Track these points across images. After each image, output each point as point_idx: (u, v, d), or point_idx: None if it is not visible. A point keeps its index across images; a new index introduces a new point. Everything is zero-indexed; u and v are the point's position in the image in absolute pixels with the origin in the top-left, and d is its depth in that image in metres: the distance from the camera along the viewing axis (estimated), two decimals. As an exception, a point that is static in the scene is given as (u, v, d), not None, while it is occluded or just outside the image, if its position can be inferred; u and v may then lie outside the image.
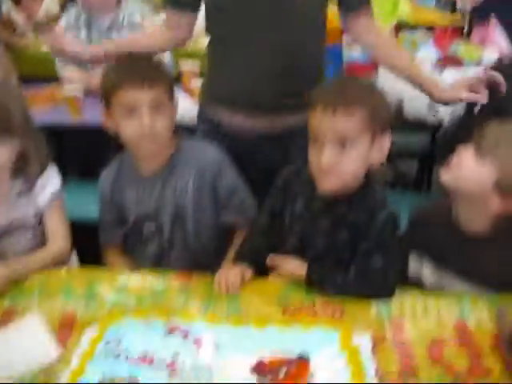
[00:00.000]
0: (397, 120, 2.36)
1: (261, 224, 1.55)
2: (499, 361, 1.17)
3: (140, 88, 1.49)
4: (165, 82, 1.56)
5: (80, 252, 1.83)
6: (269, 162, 1.72)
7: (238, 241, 1.66)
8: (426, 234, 1.49)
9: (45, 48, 3.40)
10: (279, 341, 1.17)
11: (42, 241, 1.65)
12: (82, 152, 2.74)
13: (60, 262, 1.61)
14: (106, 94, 1.55)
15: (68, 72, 2.94)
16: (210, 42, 1.77)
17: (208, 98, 1.84)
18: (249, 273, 1.43)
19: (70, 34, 2.93)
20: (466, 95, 1.69)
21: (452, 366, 1.16)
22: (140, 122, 1.50)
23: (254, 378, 1.02)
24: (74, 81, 2.74)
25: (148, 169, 1.64)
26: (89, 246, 1.78)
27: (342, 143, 1.26)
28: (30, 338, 1.25)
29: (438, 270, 1.48)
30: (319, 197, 1.39)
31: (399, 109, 2.31)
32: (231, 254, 1.62)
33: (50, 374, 1.15)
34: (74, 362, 1.15)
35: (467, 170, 1.36)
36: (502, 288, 1.36)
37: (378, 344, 1.21)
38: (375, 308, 1.32)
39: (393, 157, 2.99)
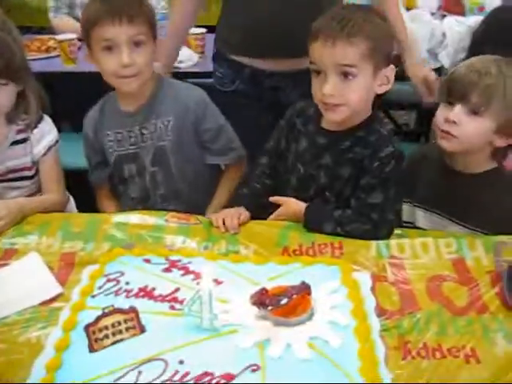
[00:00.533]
0: (396, 65, 2.33)
1: (262, 166, 1.55)
2: (496, 297, 1.18)
3: (118, 24, 1.45)
4: (145, 18, 1.50)
5: (76, 201, 1.83)
6: (291, 102, 1.68)
7: (225, 178, 1.68)
8: (418, 177, 1.49)
9: None
10: (280, 273, 1.17)
11: (39, 191, 1.65)
12: (75, 101, 2.69)
13: (57, 207, 1.62)
14: (85, 30, 1.50)
15: (60, 21, 2.89)
16: None
17: (225, 42, 1.80)
18: (246, 215, 1.43)
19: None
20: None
21: (451, 302, 1.16)
22: (119, 59, 1.46)
23: (254, 309, 1.02)
24: (66, 30, 2.69)
25: (128, 108, 1.60)
26: (84, 194, 1.78)
27: (344, 74, 1.27)
28: (31, 276, 1.25)
29: (431, 213, 1.49)
30: (323, 133, 1.40)
31: (397, 54, 2.27)
32: (220, 191, 1.64)
33: (52, 310, 1.15)
34: (74, 298, 1.15)
35: (467, 132, 1.36)
36: (497, 227, 1.37)
37: (377, 282, 1.22)
38: (374, 248, 1.32)
39: (391, 108, 3.02)
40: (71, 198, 1.81)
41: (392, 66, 1.33)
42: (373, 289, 1.19)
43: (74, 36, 2.49)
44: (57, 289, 1.21)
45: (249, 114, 1.74)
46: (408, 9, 2.30)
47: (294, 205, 1.43)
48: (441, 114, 1.40)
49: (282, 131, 1.50)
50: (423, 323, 1.11)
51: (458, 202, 1.42)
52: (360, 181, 1.36)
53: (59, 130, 1.69)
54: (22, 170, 1.61)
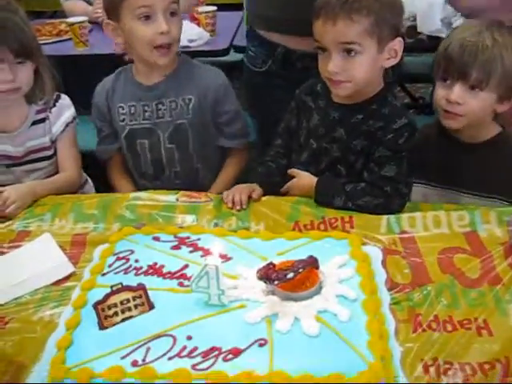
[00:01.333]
0: (410, 36, 2.29)
1: (276, 146, 1.55)
2: (510, 268, 1.15)
3: None
4: None
5: (95, 183, 1.84)
6: None
7: (230, 163, 1.68)
8: (425, 159, 1.45)
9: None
10: (287, 249, 1.17)
11: (57, 172, 1.66)
12: (89, 84, 2.70)
13: (71, 187, 1.63)
14: (114, 3, 1.48)
15: (71, 4, 2.89)
16: None
17: (259, 17, 1.77)
18: (258, 191, 1.43)
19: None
20: None
21: (463, 274, 1.15)
22: (156, 28, 1.45)
23: (262, 284, 1.02)
24: (77, 13, 2.68)
25: (146, 81, 1.59)
26: (102, 176, 1.78)
27: (347, 51, 1.26)
28: (44, 257, 1.26)
29: (445, 190, 1.46)
30: (336, 107, 1.39)
31: (412, 25, 2.23)
32: (225, 174, 1.65)
33: (64, 290, 1.17)
34: (86, 276, 1.16)
35: (472, 108, 1.33)
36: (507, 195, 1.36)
37: (388, 255, 1.20)
38: (385, 222, 1.30)
39: (405, 80, 2.96)
40: (89, 180, 1.83)
41: (399, 39, 1.30)
42: (384, 262, 1.18)
43: (85, 19, 2.48)
44: (69, 268, 1.22)
45: (280, 95, 1.71)
46: (421, -23, 2.24)
47: (307, 178, 1.42)
48: (441, 93, 1.36)
49: (293, 111, 1.50)
50: (434, 296, 1.10)
51: (470, 174, 1.40)
52: (373, 153, 1.34)
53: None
54: (42, 150, 1.63)
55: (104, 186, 1.77)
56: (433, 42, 2.27)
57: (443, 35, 2.18)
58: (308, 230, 1.29)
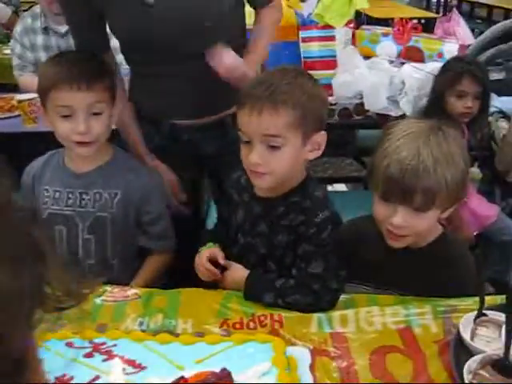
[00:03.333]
0: (359, 114, 2.31)
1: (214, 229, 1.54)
2: (443, 371, 1.10)
3: (76, 90, 1.41)
4: (105, 84, 1.46)
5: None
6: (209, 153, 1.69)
7: (152, 260, 1.62)
8: (355, 257, 1.37)
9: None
10: (206, 356, 1.10)
11: None
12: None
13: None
14: (41, 93, 1.47)
15: (25, 79, 2.88)
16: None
17: (140, 104, 1.72)
18: (220, 253, 1.38)
19: (26, 38, 2.88)
20: None
21: (393, 379, 1.09)
22: (75, 127, 1.43)
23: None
24: (31, 88, 2.66)
25: (75, 169, 1.56)
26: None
27: (271, 142, 1.22)
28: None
29: (375, 288, 1.37)
30: (257, 201, 1.35)
31: (360, 103, 2.25)
32: (145, 270, 1.59)
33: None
34: (-9, 389, 1.08)
35: (417, 229, 1.25)
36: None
37: (317, 357, 1.14)
38: (316, 321, 1.25)
39: (360, 153, 2.98)
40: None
41: (323, 132, 1.28)
42: (312, 366, 1.12)
43: (34, 95, 2.46)
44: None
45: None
46: (366, 57, 2.29)
47: (239, 271, 1.37)
48: (382, 213, 1.26)
49: (223, 203, 1.47)
50: (361, 405, 1.03)
51: (408, 276, 1.32)
52: (298, 249, 1.30)
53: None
54: None
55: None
56: (381, 118, 2.30)
57: (391, 113, 2.22)
58: (236, 330, 1.23)
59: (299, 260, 1.30)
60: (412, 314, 1.24)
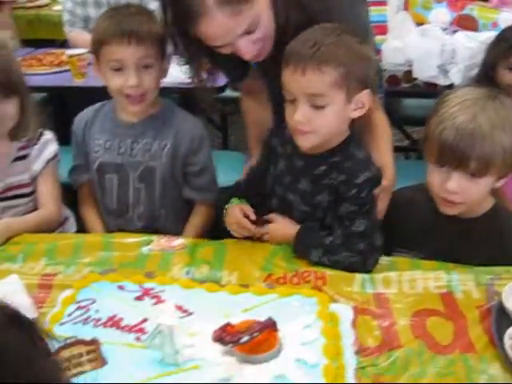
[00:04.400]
0: (407, 81, 2.27)
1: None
2: (484, 335, 1.11)
3: (127, 45, 1.44)
4: (155, 39, 1.48)
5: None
6: None
7: (195, 215, 1.65)
8: (404, 224, 1.39)
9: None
10: (252, 306, 1.13)
11: (35, 210, 1.64)
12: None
13: (50, 225, 1.61)
14: (94, 47, 1.51)
15: (75, 35, 2.92)
16: None
17: None
18: (250, 210, 1.39)
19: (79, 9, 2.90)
20: None
21: (434, 339, 1.10)
22: (126, 80, 1.46)
23: (216, 346, 0.98)
24: (81, 44, 2.70)
25: (126, 119, 1.60)
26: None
27: (315, 101, 1.22)
28: (8, 300, 1.23)
29: (423, 258, 1.37)
30: (299, 156, 1.35)
31: (408, 70, 2.21)
32: (188, 228, 1.63)
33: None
34: (46, 324, 1.13)
35: (471, 196, 1.26)
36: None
37: (359, 315, 1.16)
38: (360, 282, 1.26)
39: (405, 123, 2.94)
40: (71, 217, 1.81)
41: (367, 91, 1.26)
42: (354, 323, 1.14)
43: (84, 51, 2.50)
44: (32, 314, 1.19)
45: None
46: (418, 24, 2.23)
47: (289, 224, 1.38)
48: (436, 179, 1.27)
49: (264, 154, 1.46)
50: (401, 362, 1.05)
51: (458, 247, 1.32)
52: (340, 208, 1.31)
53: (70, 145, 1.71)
54: (21, 187, 1.62)
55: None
56: (429, 87, 2.26)
57: (440, 82, 2.17)
58: (280, 284, 1.26)
59: (342, 219, 1.31)
60: (454, 280, 1.25)
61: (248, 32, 1.27)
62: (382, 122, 1.50)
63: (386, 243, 1.35)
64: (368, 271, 1.29)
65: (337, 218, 1.32)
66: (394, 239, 1.38)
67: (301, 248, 1.34)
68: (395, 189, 1.46)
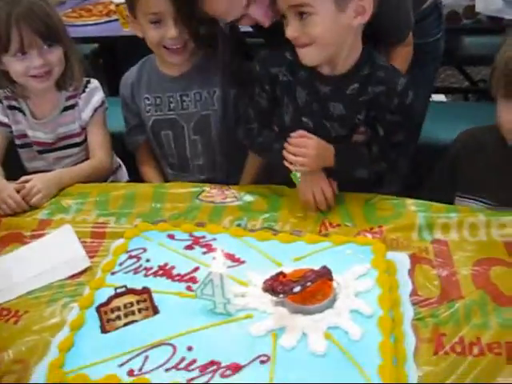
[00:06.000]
0: (468, 17, 2.12)
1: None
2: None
3: None
4: None
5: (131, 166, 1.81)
6: None
7: (250, 162, 1.60)
8: (472, 167, 1.32)
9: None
10: (305, 254, 1.10)
11: (88, 158, 1.65)
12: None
13: (101, 174, 1.61)
14: (130, 2, 1.47)
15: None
16: None
17: None
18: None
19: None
20: None
21: (498, 290, 1.04)
22: (165, 32, 1.43)
23: (267, 296, 0.95)
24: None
25: (170, 72, 1.57)
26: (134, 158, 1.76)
27: (300, 13, 1.17)
28: (62, 250, 1.25)
29: (493, 206, 1.30)
30: (323, 81, 1.28)
31: (470, 5, 2.06)
32: (249, 166, 1.59)
33: (79, 285, 1.15)
34: (98, 274, 1.14)
35: None
36: None
37: (417, 264, 1.11)
38: (417, 229, 1.21)
39: (464, 63, 2.78)
40: (122, 166, 1.81)
41: None
42: (411, 271, 1.09)
43: None
44: (85, 263, 1.20)
45: None
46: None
47: (321, 140, 1.28)
48: (506, 115, 1.19)
49: (261, 94, 1.37)
50: (462, 314, 1.00)
51: None
52: (381, 120, 1.28)
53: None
54: (72, 136, 1.63)
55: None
56: (493, 22, 2.11)
57: (505, 16, 2.02)
58: (334, 228, 1.23)
59: (380, 129, 1.29)
60: (519, 228, 1.18)
61: None
62: (407, 55, 1.49)
63: (449, 189, 1.29)
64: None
65: (376, 128, 1.30)
66: (459, 186, 1.33)
67: (343, 168, 1.30)
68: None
